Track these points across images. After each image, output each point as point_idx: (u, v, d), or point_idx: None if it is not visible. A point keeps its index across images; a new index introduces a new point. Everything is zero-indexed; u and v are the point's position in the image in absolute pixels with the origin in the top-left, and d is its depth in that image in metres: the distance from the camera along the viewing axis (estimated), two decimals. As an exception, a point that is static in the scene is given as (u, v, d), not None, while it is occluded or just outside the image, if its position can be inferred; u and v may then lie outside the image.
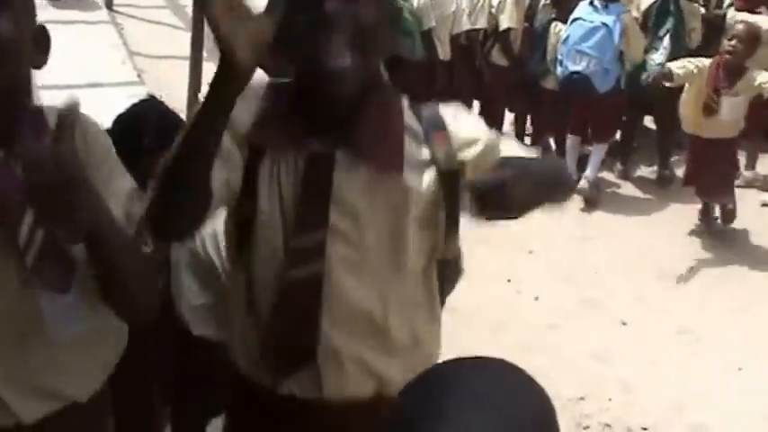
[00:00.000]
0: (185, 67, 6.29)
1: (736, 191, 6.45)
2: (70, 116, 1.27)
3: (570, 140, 6.49)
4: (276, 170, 1.60)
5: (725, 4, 6.76)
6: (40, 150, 1.29)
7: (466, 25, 6.35)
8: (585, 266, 5.25)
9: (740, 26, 5.48)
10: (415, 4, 6.06)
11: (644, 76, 5.80)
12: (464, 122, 1.72)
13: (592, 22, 5.94)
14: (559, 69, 6.19)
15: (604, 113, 6.30)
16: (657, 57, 6.13)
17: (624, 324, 4.67)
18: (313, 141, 1.58)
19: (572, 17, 6.10)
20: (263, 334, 1.66)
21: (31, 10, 1.52)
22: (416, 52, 6.06)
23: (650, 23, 6.28)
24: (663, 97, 6.04)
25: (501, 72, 6.65)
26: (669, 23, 6.21)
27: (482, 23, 6.47)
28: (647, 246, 5.66)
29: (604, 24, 5.90)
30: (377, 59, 1.65)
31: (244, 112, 1.54)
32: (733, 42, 5.31)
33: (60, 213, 1.29)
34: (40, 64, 1.51)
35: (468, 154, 1.66)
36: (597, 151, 6.43)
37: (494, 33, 6.59)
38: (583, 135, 6.55)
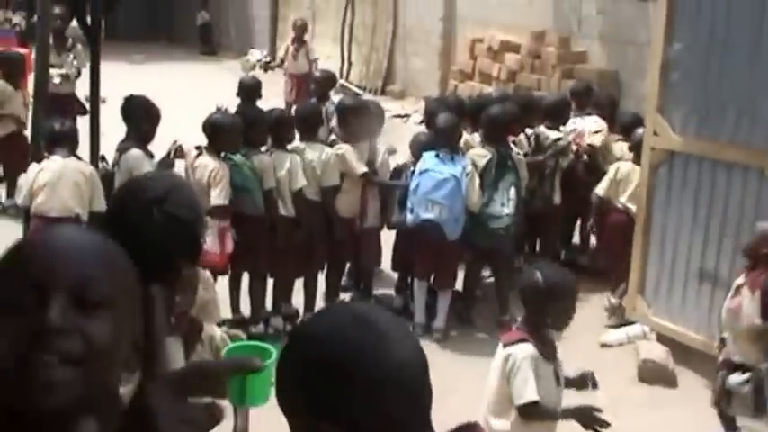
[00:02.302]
0: None
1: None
2: None
3: (419, 285, 6.62)
4: None
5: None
6: None
7: (302, 181, 6.25)
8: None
9: None
10: (256, 162, 6.06)
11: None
12: None
13: (441, 173, 6.16)
14: (410, 217, 6.31)
15: (450, 260, 6.58)
16: (506, 209, 6.44)
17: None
18: None
19: (420, 168, 6.27)
20: None
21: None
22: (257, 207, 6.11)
23: (489, 178, 6.49)
24: (502, 248, 6.37)
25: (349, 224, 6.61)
26: (511, 177, 6.52)
27: (335, 180, 6.42)
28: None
29: (453, 176, 6.15)
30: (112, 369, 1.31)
31: None
32: None
33: None
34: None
35: None
36: (445, 298, 6.61)
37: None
38: (427, 280, 6.69)
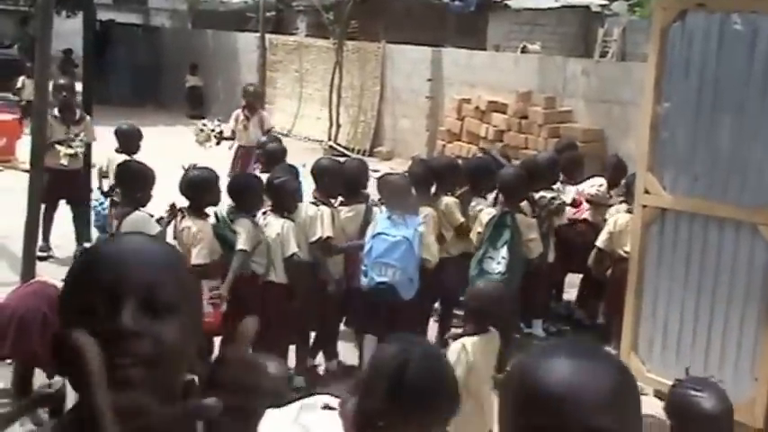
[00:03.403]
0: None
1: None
2: None
3: (370, 340, 6.52)
4: None
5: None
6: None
7: (293, 248, 6.24)
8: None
9: None
10: (236, 225, 6.03)
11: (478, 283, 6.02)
12: None
13: (394, 236, 6.16)
14: (365, 280, 6.30)
15: (412, 317, 6.51)
16: (497, 266, 6.55)
17: None
18: None
19: (372, 231, 6.29)
20: None
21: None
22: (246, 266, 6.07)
23: (486, 235, 6.66)
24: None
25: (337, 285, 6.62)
26: (507, 236, 6.62)
27: (319, 233, 6.41)
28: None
29: (406, 238, 6.16)
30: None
31: None
32: None
33: None
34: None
35: None
36: None
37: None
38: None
